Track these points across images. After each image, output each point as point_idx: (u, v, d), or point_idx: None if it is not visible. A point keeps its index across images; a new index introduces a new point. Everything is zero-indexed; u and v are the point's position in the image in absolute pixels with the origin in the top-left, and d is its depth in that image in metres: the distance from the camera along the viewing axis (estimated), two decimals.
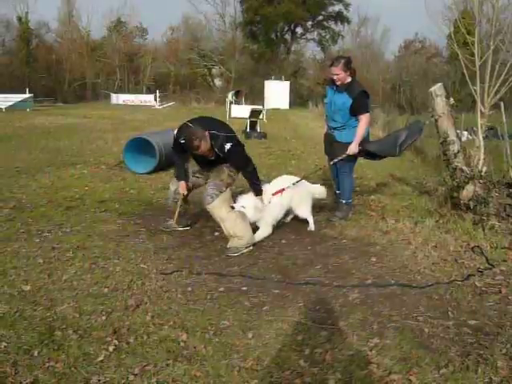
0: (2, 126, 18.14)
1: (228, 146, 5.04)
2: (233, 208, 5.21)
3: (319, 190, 6.33)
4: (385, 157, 6.37)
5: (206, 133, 4.99)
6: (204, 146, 4.98)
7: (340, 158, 6.03)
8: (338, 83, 5.94)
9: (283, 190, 5.66)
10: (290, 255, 5.15)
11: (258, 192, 5.39)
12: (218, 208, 5.16)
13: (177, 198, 5.61)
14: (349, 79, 5.94)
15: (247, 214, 5.27)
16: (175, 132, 5.43)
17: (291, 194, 5.76)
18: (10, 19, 55.17)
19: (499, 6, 6.40)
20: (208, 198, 5.16)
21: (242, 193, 5.69)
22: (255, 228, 5.47)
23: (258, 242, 5.43)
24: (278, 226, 5.85)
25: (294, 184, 5.79)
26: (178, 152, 5.46)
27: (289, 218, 6.22)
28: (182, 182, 5.52)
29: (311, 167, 8.71)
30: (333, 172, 6.54)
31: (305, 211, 6.00)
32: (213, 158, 5.23)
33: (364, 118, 5.93)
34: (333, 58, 6.29)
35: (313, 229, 5.99)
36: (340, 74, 5.86)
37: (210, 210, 5.22)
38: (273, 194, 5.56)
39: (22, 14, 53.67)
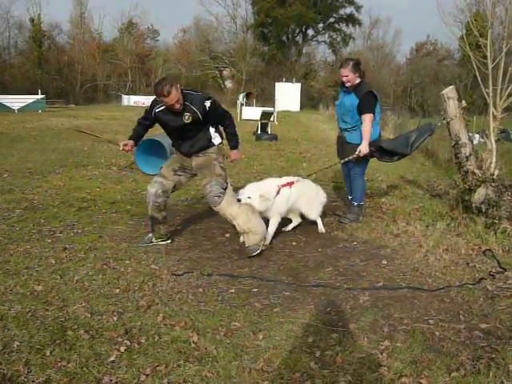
0: (15, 127, 18.27)
1: (208, 103, 4.84)
2: (239, 201, 5.12)
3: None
4: (398, 157, 6.31)
5: (178, 85, 4.73)
6: (174, 94, 4.61)
7: (350, 158, 6.02)
8: (348, 85, 5.96)
9: (292, 183, 5.61)
10: (301, 257, 5.15)
11: (236, 146, 5.33)
12: (227, 206, 5.02)
13: (158, 201, 5.16)
14: (358, 80, 5.96)
15: (254, 204, 5.19)
16: (150, 102, 5.23)
17: (298, 193, 5.69)
18: (23, 21, 55.69)
19: None
20: (215, 198, 4.98)
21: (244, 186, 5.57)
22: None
23: (272, 238, 5.49)
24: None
25: (304, 177, 5.76)
26: (144, 120, 5.23)
27: (290, 227, 6.07)
28: (130, 141, 5.16)
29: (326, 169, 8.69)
30: (344, 173, 6.54)
31: (313, 213, 5.94)
32: (189, 120, 4.85)
33: (367, 118, 5.92)
34: (342, 60, 6.30)
35: (323, 231, 5.97)
36: (349, 76, 5.89)
37: (219, 210, 5.05)
38: (282, 186, 5.49)
39: (35, 16, 54.16)
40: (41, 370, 2.97)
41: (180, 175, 5.23)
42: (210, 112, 4.90)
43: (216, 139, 5.13)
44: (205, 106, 4.84)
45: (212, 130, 5.10)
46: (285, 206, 5.59)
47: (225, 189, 5.03)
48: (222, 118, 5.15)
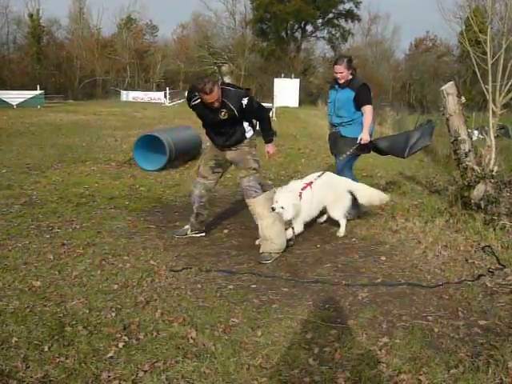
0: (14, 123, 18.23)
1: (245, 101, 4.86)
2: (273, 209, 4.98)
3: (379, 196, 5.95)
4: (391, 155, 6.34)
5: (219, 83, 4.82)
6: (216, 92, 4.67)
7: (352, 150, 5.98)
8: (342, 81, 6.01)
9: (311, 183, 5.50)
10: (299, 253, 5.14)
11: (271, 140, 5.35)
12: (261, 205, 5.04)
13: (203, 201, 5.43)
14: (350, 77, 6.02)
15: (287, 214, 5.05)
16: (186, 93, 5.19)
17: (325, 191, 5.56)
18: (22, 16, 55.51)
19: None
20: (252, 191, 5.06)
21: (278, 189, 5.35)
22: None
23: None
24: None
25: (319, 176, 5.65)
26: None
27: (323, 219, 6.05)
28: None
29: (321, 165, 8.69)
30: (337, 169, 6.48)
31: (337, 212, 5.74)
32: (226, 117, 4.87)
33: (368, 109, 5.94)
34: (335, 57, 6.34)
35: (341, 235, 5.73)
36: (343, 72, 5.94)
37: (252, 203, 5.10)
38: (301, 189, 5.38)
39: (34, 11, 53.98)
40: (39, 365, 2.97)
41: (218, 172, 5.40)
42: (247, 109, 4.92)
43: (249, 133, 5.15)
44: (242, 103, 4.85)
45: (246, 123, 5.11)
46: (309, 209, 5.43)
47: (261, 184, 5.14)
48: (258, 114, 5.20)
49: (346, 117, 6.04)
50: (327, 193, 5.60)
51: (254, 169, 5.12)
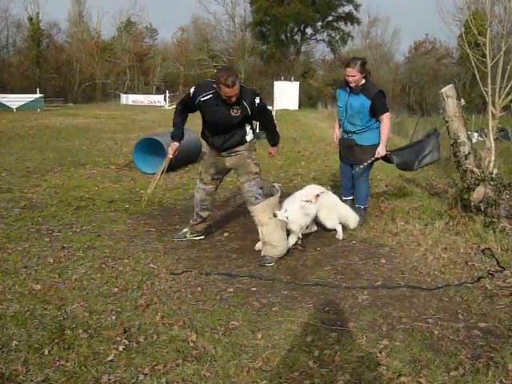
0: (13, 126, 18.25)
1: (258, 100, 4.80)
2: (275, 216, 4.95)
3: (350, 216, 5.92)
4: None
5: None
6: (237, 87, 4.57)
7: (369, 161, 5.92)
8: (353, 85, 5.79)
9: (318, 196, 5.45)
10: (299, 256, 5.15)
11: (276, 143, 5.36)
12: (261, 212, 5.00)
13: (205, 204, 5.43)
14: (363, 81, 5.80)
15: (290, 226, 5.11)
16: (192, 89, 4.94)
17: (318, 205, 5.51)
18: (21, 20, 55.62)
19: (511, 6, 6.36)
20: (253, 198, 5.03)
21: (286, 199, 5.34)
22: None
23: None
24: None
25: (327, 189, 5.66)
26: (184, 110, 5.13)
27: (314, 229, 5.96)
28: (176, 143, 5.18)
29: (320, 168, 8.70)
30: (343, 174, 6.46)
31: (331, 222, 5.74)
32: (238, 114, 4.78)
33: (386, 118, 5.85)
34: (348, 58, 6.12)
35: (341, 237, 5.75)
36: (356, 76, 5.70)
37: (253, 211, 5.08)
38: (315, 199, 5.37)
39: (33, 15, 54.09)
40: (39, 369, 2.97)
41: (218, 178, 5.38)
42: (258, 108, 4.86)
43: (249, 136, 5.07)
44: (255, 101, 4.79)
45: (248, 126, 5.05)
46: (308, 219, 5.43)
47: (262, 188, 5.13)
48: (266, 116, 5.15)
49: (360, 125, 5.92)
50: (321, 209, 5.60)
51: (256, 173, 5.09)
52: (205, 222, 5.61)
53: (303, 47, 61.01)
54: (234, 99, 4.65)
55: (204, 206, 5.44)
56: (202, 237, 5.63)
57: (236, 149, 5.04)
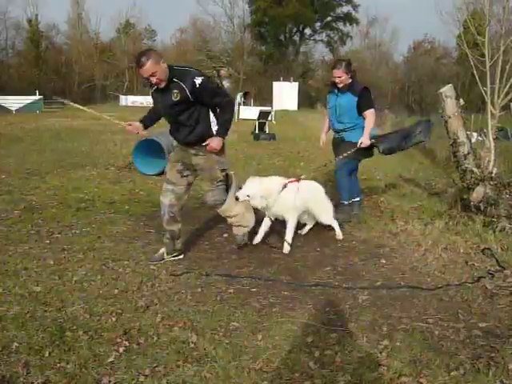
0: (13, 128, 18.25)
1: (199, 80, 4.35)
2: (237, 199, 4.92)
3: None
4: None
5: (165, 64, 4.36)
6: (150, 66, 4.22)
7: (349, 152, 5.96)
8: (341, 85, 6.02)
9: (299, 179, 5.43)
10: (299, 257, 5.15)
11: (222, 133, 4.60)
12: (228, 209, 4.94)
13: (173, 211, 4.84)
14: (349, 81, 6.04)
15: (253, 203, 5.09)
16: None
17: (305, 197, 5.40)
18: (20, 21, 55.61)
19: (509, 6, 6.37)
20: (218, 204, 4.89)
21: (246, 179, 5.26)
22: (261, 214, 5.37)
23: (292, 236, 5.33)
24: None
25: (305, 177, 5.66)
26: (154, 108, 4.94)
27: (306, 229, 5.93)
28: (139, 124, 4.93)
29: (320, 168, 8.66)
30: (335, 169, 6.45)
31: (326, 217, 5.70)
32: (178, 98, 4.39)
33: (369, 114, 6.01)
34: (333, 60, 6.31)
35: (340, 237, 5.73)
36: (342, 77, 5.95)
37: (220, 213, 5.02)
38: (288, 182, 5.28)
39: (32, 17, 54.15)
40: (40, 371, 2.97)
41: (187, 175, 4.83)
42: (202, 91, 4.38)
43: (216, 127, 4.64)
44: (194, 82, 4.34)
45: (212, 115, 4.62)
46: (294, 200, 5.26)
47: (225, 193, 4.87)
48: (218, 99, 4.55)
49: (349, 122, 6.09)
50: (309, 195, 5.47)
51: (220, 180, 4.80)
52: (178, 239, 5.02)
53: (302, 48, 61.14)
54: (154, 80, 4.36)
55: (172, 214, 4.85)
56: (181, 256, 5.06)
57: (204, 144, 4.61)
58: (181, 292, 4.16)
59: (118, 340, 3.33)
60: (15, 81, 49.64)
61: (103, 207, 6.88)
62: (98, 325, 3.55)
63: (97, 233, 5.71)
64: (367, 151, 6.18)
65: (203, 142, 4.61)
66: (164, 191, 4.86)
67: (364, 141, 5.97)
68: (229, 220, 5.14)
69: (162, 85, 4.42)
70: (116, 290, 4.14)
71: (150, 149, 9.33)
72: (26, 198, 7.31)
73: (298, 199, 5.30)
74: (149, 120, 5.00)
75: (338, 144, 6.30)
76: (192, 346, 3.29)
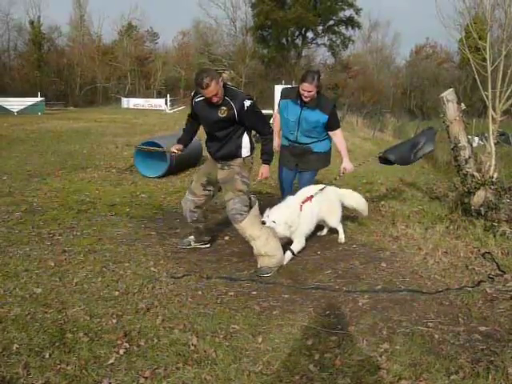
0: (14, 130, 18.27)
1: (248, 103, 4.56)
2: (263, 223, 4.88)
3: (356, 199, 5.93)
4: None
5: (222, 82, 4.52)
6: (213, 87, 4.38)
7: (338, 178, 5.99)
8: (308, 100, 5.46)
9: (311, 197, 5.35)
10: (300, 260, 5.15)
11: (267, 161, 4.89)
12: (250, 226, 4.79)
13: (195, 216, 5.15)
14: (316, 95, 5.51)
15: (278, 230, 4.91)
16: (192, 92, 4.90)
17: (320, 202, 5.42)
18: (23, 23, 55.71)
19: (511, 11, 6.37)
20: (237, 216, 4.76)
21: (271, 205, 5.19)
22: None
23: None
24: None
25: (320, 190, 5.48)
26: (191, 116, 5.08)
27: (325, 231, 5.97)
28: (179, 145, 5.15)
29: (320, 172, 8.65)
30: (286, 181, 6.06)
31: (334, 221, 5.71)
32: (224, 115, 4.58)
33: (340, 133, 5.72)
34: (305, 72, 5.58)
35: (342, 241, 5.74)
36: (312, 91, 5.39)
37: (240, 229, 4.84)
38: (302, 203, 5.23)
39: (34, 19, 54.21)
40: (40, 372, 2.97)
41: (209, 190, 5.08)
42: (248, 113, 4.60)
43: (245, 150, 4.83)
44: (243, 104, 4.55)
45: (246, 138, 4.82)
46: (310, 222, 5.33)
47: (247, 206, 4.83)
48: (259, 124, 4.81)
49: (317, 137, 5.73)
50: (323, 204, 5.49)
51: (241, 190, 4.81)
52: (204, 232, 5.45)
53: (304, 51, 61.00)
54: (215, 100, 4.51)
55: (194, 218, 5.19)
56: (208, 245, 5.51)
57: (230, 162, 4.85)
58: (181, 294, 4.16)
59: (119, 342, 3.34)
60: (17, 82, 49.71)
61: (104, 209, 6.88)
62: (98, 327, 3.56)
63: (97, 235, 5.71)
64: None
65: (228, 159, 4.85)
66: (185, 198, 5.18)
67: (348, 167, 5.70)
68: (254, 248, 4.87)
69: (216, 101, 4.55)
70: (116, 292, 4.14)
71: (152, 151, 9.33)
72: (27, 199, 7.31)
73: (312, 222, 5.39)
74: (188, 139, 5.26)
75: (304, 154, 5.83)
76: (192, 348, 3.30)
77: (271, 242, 4.82)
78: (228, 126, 4.71)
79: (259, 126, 4.82)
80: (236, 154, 4.82)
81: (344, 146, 5.75)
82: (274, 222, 4.91)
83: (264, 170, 4.96)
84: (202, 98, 4.70)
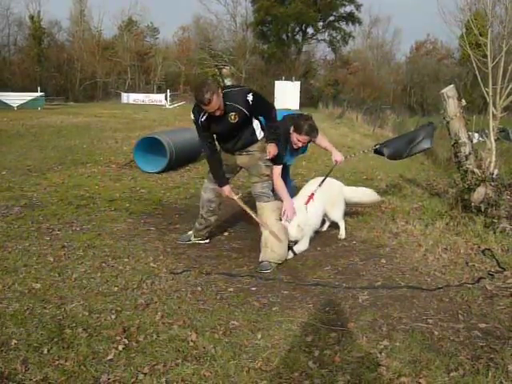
0: (14, 125, 18.25)
1: (250, 96, 4.59)
2: (280, 220, 4.95)
3: (363, 192, 6.03)
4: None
5: (219, 90, 4.48)
6: (215, 102, 4.37)
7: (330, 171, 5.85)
8: (296, 147, 5.38)
9: (312, 195, 5.35)
10: (300, 256, 5.13)
11: (275, 139, 4.85)
12: (270, 211, 4.90)
13: (212, 206, 5.23)
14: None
15: (289, 231, 4.97)
16: (192, 115, 4.79)
17: (323, 196, 5.44)
18: (23, 18, 55.61)
19: None
20: (264, 197, 4.90)
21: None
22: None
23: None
24: None
25: (319, 186, 5.45)
26: (205, 139, 4.88)
27: (325, 226, 5.98)
28: (227, 187, 5.00)
29: (321, 168, 8.70)
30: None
31: (336, 214, 5.73)
32: (236, 119, 4.62)
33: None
34: (307, 126, 5.21)
35: (343, 237, 5.74)
36: (306, 143, 5.36)
37: (262, 207, 4.94)
38: (305, 203, 5.25)
39: (35, 13, 54.12)
40: (38, 368, 2.96)
41: (228, 178, 5.09)
42: (255, 105, 4.64)
43: (258, 132, 4.90)
44: (247, 100, 4.59)
45: (255, 122, 4.87)
46: (315, 222, 5.40)
47: (273, 191, 5.01)
48: (266, 110, 4.84)
49: None
50: (326, 198, 5.52)
51: (267, 175, 4.95)
52: (211, 226, 5.48)
53: (304, 47, 60.89)
54: (218, 113, 4.52)
55: (211, 208, 5.26)
56: (207, 241, 5.53)
57: (248, 148, 4.91)
58: (180, 290, 4.15)
59: (117, 338, 3.33)
60: (17, 77, 49.64)
61: (104, 204, 6.87)
62: (97, 322, 3.55)
63: (97, 230, 5.70)
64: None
65: (246, 147, 4.91)
66: (205, 187, 5.28)
67: (338, 158, 5.56)
68: (262, 235, 4.92)
69: (220, 113, 4.55)
70: (116, 288, 4.14)
71: (152, 146, 9.33)
72: (27, 194, 7.30)
73: (318, 222, 5.49)
74: (223, 177, 5.05)
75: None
76: (191, 344, 3.29)
77: (280, 235, 4.86)
78: (241, 124, 4.76)
79: (265, 110, 4.84)
80: (252, 140, 4.90)
81: (328, 142, 5.70)
82: (288, 222, 4.98)
83: (271, 148, 4.88)
84: (206, 116, 4.67)
